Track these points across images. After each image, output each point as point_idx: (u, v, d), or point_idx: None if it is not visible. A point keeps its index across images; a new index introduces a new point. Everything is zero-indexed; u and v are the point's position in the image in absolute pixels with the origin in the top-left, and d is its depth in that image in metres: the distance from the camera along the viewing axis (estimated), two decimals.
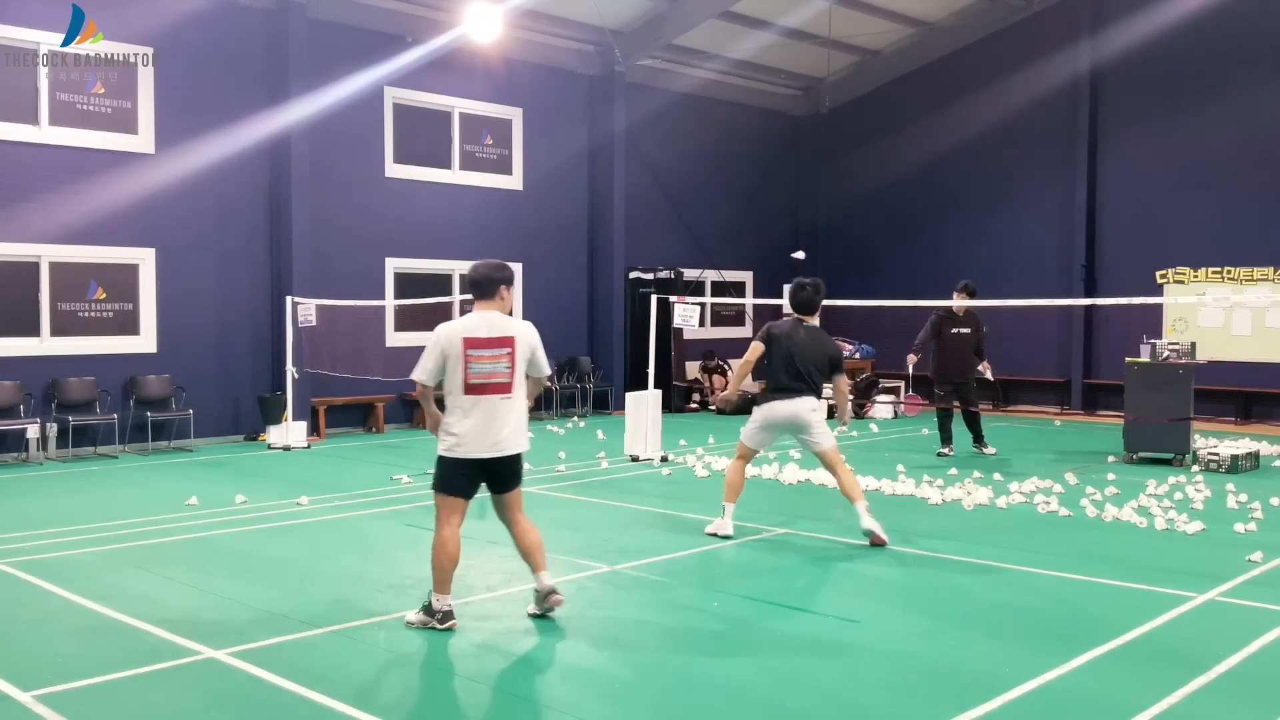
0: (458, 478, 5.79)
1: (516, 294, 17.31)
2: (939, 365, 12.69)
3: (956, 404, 12.72)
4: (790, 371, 7.96)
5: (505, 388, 5.74)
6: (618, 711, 4.69)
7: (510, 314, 5.97)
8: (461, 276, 16.55)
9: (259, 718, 4.70)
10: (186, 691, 4.96)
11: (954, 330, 12.56)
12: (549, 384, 5.97)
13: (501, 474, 5.86)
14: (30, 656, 5.41)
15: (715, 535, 8.23)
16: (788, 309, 8.34)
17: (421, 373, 5.78)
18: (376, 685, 5.04)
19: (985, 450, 12.69)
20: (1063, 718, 4.63)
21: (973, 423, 12.81)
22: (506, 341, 5.77)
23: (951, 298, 12.67)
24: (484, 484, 5.90)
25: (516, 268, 17.30)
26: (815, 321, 8.24)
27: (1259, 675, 5.13)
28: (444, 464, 5.80)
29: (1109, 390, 17.23)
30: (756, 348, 8.13)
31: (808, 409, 7.97)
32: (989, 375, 12.95)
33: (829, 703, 4.83)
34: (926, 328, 12.78)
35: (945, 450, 12.63)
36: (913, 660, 5.36)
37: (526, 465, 11.43)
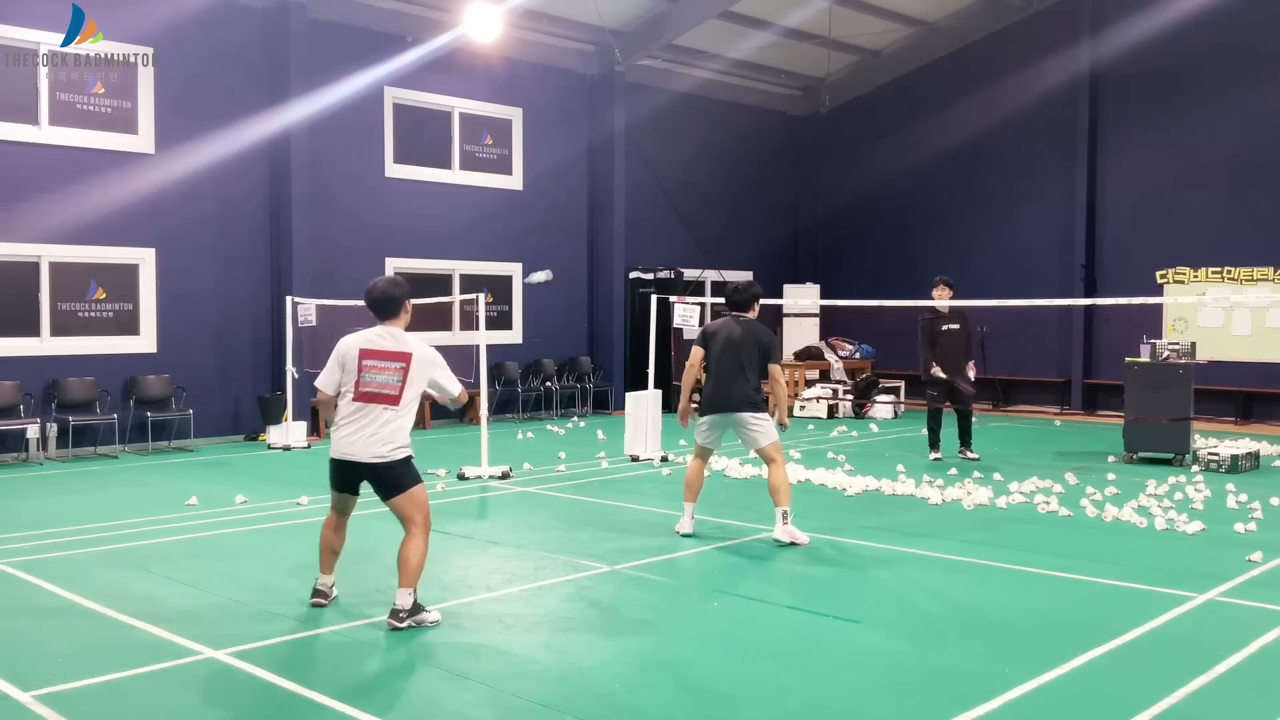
0: (332, 474, 6.08)
1: (516, 293, 17.37)
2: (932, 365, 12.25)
3: (948, 404, 12.34)
4: (723, 370, 8.00)
5: (392, 400, 5.89)
6: (618, 711, 4.69)
7: (407, 328, 6.17)
8: (462, 276, 16.57)
9: (259, 718, 4.70)
10: (186, 691, 4.95)
11: (944, 328, 12.18)
12: (460, 401, 6.09)
13: (365, 478, 5.96)
14: (30, 656, 5.41)
15: (679, 534, 8.21)
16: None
17: (321, 381, 6.07)
18: (375, 685, 5.04)
19: (969, 455, 12.24)
20: (1063, 718, 4.63)
21: (963, 424, 12.38)
22: (404, 357, 5.93)
23: (932, 294, 12.35)
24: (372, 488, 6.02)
25: (516, 268, 17.30)
26: (752, 316, 8.26)
27: (1259, 675, 5.13)
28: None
29: (1109, 390, 17.23)
30: (697, 351, 8.20)
31: (742, 406, 7.99)
32: (971, 374, 12.25)
33: (829, 703, 4.82)
34: (921, 337, 12.33)
35: (935, 455, 12.28)
36: (913, 660, 5.36)
37: (527, 465, 11.55)
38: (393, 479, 5.90)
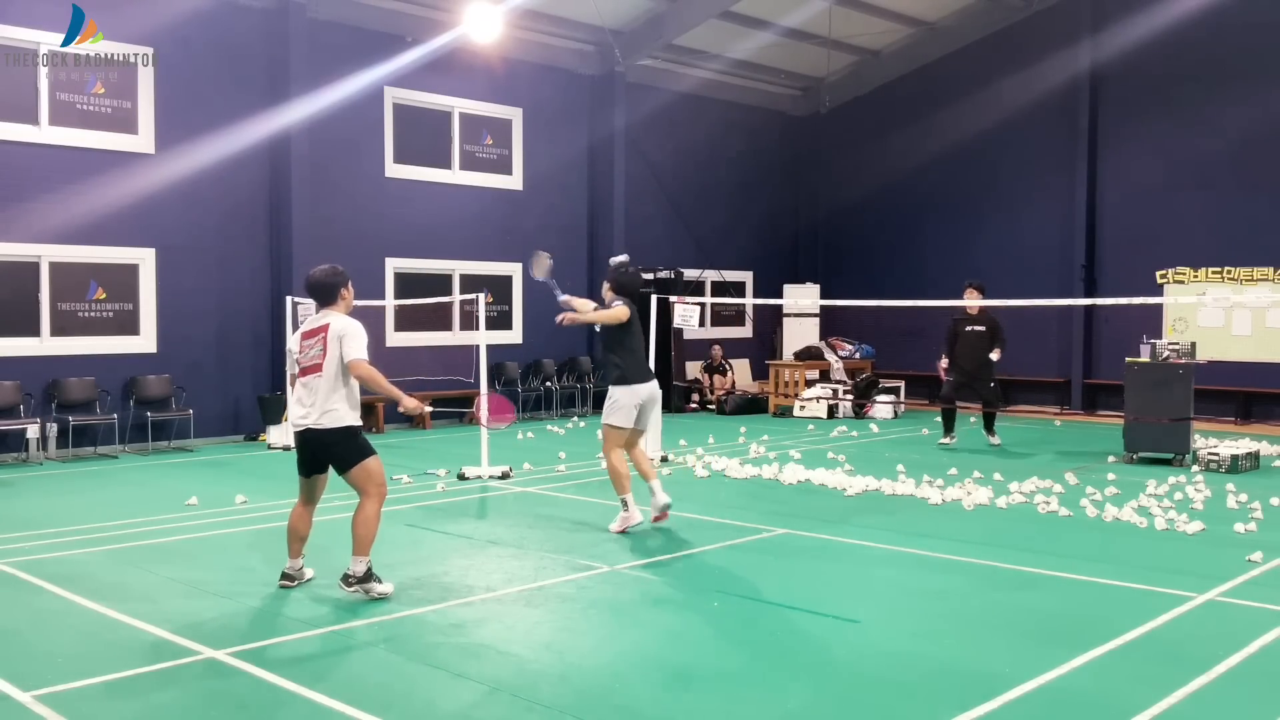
0: (297, 454, 6.62)
1: (516, 293, 17.37)
2: (954, 360, 13.44)
3: (967, 403, 13.61)
4: (641, 347, 8.78)
5: (317, 369, 6.35)
6: (618, 711, 4.69)
7: (350, 312, 6.61)
8: (462, 276, 16.56)
9: (259, 718, 4.70)
10: (186, 691, 4.95)
11: (968, 328, 13.36)
12: (368, 379, 6.39)
13: (318, 451, 6.45)
14: (30, 656, 5.41)
15: (625, 531, 8.30)
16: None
17: (289, 372, 6.75)
18: (375, 685, 5.03)
19: (991, 439, 13.39)
20: (1063, 718, 4.63)
21: (985, 416, 13.60)
22: (323, 329, 6.39)
23: (962, 296, 13.39)
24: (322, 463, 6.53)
25: (516, 267, 17.30)
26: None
27: (1259, 675, 5.12)
28: None
29: (1109, 390, 17.23)
30: (624, 312, 8.67)
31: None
32: (994, 357, 13.30)
33: (829, 703, 4.83)
34: (947, 334, 13.57)
35: (945, 440, 13.36)
36: (913, 660, 5.36)
37: (527, 465, 11.56)
38: (340, 451, 6.34)
